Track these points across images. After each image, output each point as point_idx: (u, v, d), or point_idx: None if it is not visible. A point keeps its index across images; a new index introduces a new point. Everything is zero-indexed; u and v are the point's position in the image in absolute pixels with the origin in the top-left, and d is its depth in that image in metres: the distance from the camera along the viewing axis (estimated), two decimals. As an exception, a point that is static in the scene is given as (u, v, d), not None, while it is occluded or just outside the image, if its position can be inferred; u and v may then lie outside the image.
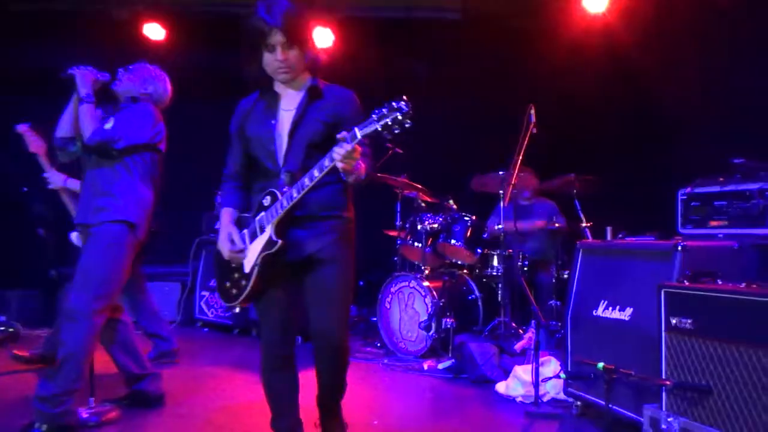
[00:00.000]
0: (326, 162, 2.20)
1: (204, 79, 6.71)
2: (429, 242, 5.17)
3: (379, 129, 2.08)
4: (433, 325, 4.57)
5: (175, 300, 6.37)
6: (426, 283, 4.80)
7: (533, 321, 3.83)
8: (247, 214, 2.52)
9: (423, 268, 5.07)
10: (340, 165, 2.16)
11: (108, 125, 3.20)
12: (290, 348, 2.55)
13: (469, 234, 5.07)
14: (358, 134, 2.12)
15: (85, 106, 3.20)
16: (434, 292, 4.72)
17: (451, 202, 5.31)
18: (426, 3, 6.60)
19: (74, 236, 4.34)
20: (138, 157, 3.27)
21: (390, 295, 5.08)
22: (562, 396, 3.51)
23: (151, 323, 4.53)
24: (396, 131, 2.08)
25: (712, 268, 2.63)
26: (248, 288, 2.40)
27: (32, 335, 5.59)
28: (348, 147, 2.12)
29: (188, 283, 6.26)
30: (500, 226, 4.79)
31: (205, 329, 6.10)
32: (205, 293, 6.17)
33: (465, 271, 5.31)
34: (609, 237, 3.37)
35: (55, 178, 4.14)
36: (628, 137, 5.78)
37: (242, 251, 2.43)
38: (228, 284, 2.51)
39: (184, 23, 6.36)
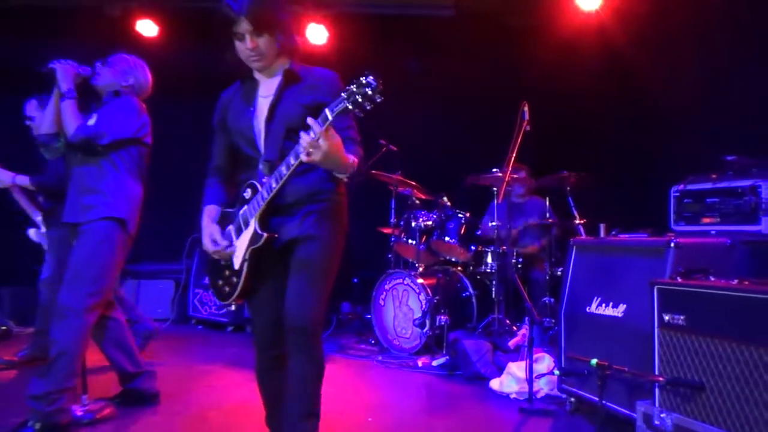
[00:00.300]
0: (300, 147, 2.06)
1: (197, 75, 6.67)
2: (423, 239, 5.17)
3: (350, 107, 1.97)
4: (428, 322, 4.58)
5: (169, 298, 6.36)
6: (420, 281, 4.80)
7: (527, 318, 3.84)
8: (230, 209, 2.44)
9: (417, 265, 5.08)
10: (306, 155, 2.02)
11: (91, 121, 3.16)
12: (282, 347, 2.36)
13: (463, 231, 5.07)
14: (329, 115, 2.01)
15: (67, 102, 3.15)
16: (428, 290, 4.72)
17: (445, 199, 5.31)
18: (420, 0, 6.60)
19: (32, 233, 4.32)
20: (124, 152, 3.23)
21: (384, 293, 5.08)
22: (555, 392, 3.52)
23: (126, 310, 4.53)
24: (367, 107, 1.98)
25: (705, 264, 2.64)
26: (240, 284, 2.32)
27: (24, 333, 5.57)
28: (317, 130, 1.99)
29: (182, 281, 6.24)
30: (494, 224, 4.80)
31: (199, 327, 6.09)
32: (199, 291, 6.15)
33: (459, 268, 5.32)
34: (602, 234, 3.38)
35: (3, 176, 4.11)
36: (621, 134, 5.80)
37: (227, 248, 2.34)
38: (221, 282, 2.44)
39: (177, 20, 6.32)
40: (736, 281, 2.37)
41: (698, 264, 2.65)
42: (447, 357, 4.39)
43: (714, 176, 3.18)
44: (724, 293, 2.32)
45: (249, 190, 2.33)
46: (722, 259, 2.83)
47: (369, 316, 5.26)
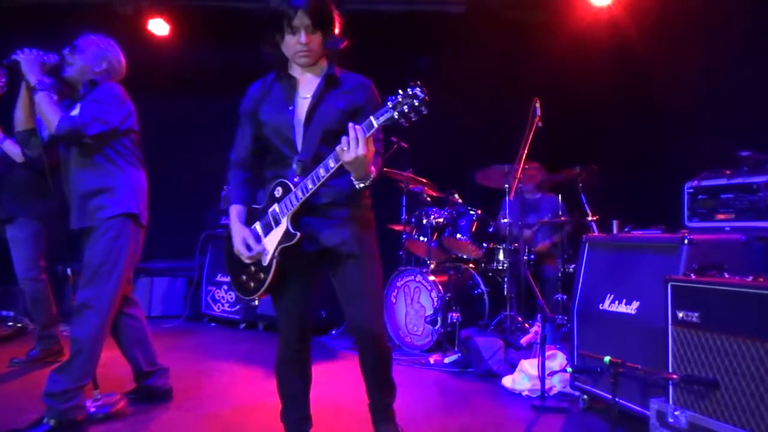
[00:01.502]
0: (341, 148, 2.12)
1: (208, 74, 6.72)
2: (434, 237, 5.17)
3: (396, 117, 2.04)
4: (439, 319, 4.57)
5: (182, 295, 6.40)
6: (432, 278, 4.80)
7: (539, 315, 3.83)
8: (257, 206, 2.46)
9: (428, 262, 5.07)
10: (352, 153, 2.08)
11: (74, 112, 2.99)
12: (306, 341, 2.53)
13: (474, 228, 5.06)
14: (375, 123, 2.08)
15: (41, 94, 2.94)
16: (440, 287, 4.72)
17: (456, 196, 5.31)
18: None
19: None
20: (117, 144, 3.11)
21: (396, 290, 5.08)
22: (568, 390, 3.51)
23: None
24: (413, 118, 2.03)
25: (719, 261, 2.61)
26: (268, 280, 2.35)
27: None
28: (360, 135, 2.07)
29: (195, 278, 6.27)
30: (506, 220, 4.79)
31: (212, 324, 6.12)
32: (212, 288, 6.18)
33: (471, 265, 5.31)
34: (615, 230, 3.36)
35: None
36: (634, 130, 5.76)
37: (260, 254, 2.36)
38: (244, 278, 2.45)
39: (188, 18, 6.36)
40: (750, 278, 2.34)
41: (712, 260, 2.63)
42: (459, 354, 4.39)
43: (728, 172, 3.15)
44: (739, 290, 2.30)
45: (280, 189, 2.34)
46: (737, 255, 2.81)
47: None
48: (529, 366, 3.71)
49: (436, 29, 6.40)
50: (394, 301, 5.07)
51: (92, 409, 3.11)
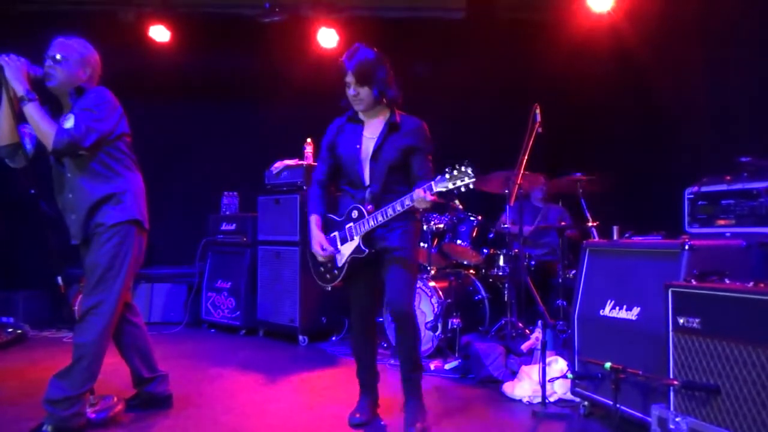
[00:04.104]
0: (407, 201, 2.85)
1: (209, 80, 6.74)
2: (435, 242, 5.17)
3: (450, 187, 2.70)
4: (440, 325, 4.57)
5: (182, 301, 6.39)
6: (432, 284, 4.79)
7: (540, 321, 3.82)
8: (335, 217, 3.19)
9: (429, 268, 5.06)
10: (418, 206, 2.85)
11: (68, 124, 2.89)
12: (373, 320, 3.35)
13: (474, 234, 5.06)
14: (434, 188, 2.75)
15: (31, 105, 2.84)
16: (440, 293, 4.71)
17: (456, 202, 5.30)
18: (430, 3, 6.61)
19: None
20: (111, 149, 3.06)
21: (396, 296, 5.07)
22: (569, 396, 3.50)
23: None
24: (462, 190, 2.70)
25: (720, 267, 2.61)
26: (340, 278, 3.15)
27: (39, 336, 5.62)
28: (426, 196, 2.77)
29: (195, 285, 6.27)
30: (506, 225, 4.78)
31: (212, 330, 6.11)
32: (212, 294, 6.17)
33: (471, 271, 5.31)
34: (615, 236, 3.36)
35: None
36: (634, 136, 5.77)
37: (333, 254, 3.13)
38: (322, 269, 3.23)
39: (189, 25, 6.37)
40: (751, 284, 2.34)
41: (713, 266, 2.62)
42: (459, 360, 4.38)
43: (728, 178, 3.15)
44: (740, 296, 2.30)
45: (356, 212, 3.07)
46: (737, 261, 2.81)
47: (381, 320, 5.25)
48: (530, 372, 3.70)
49: (437, 35, 6.41)
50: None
51: (92, 416, 3.10)
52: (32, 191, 4.62)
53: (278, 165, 5.68)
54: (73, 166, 3.06)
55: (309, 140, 5.59)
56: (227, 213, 6.31)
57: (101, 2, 6.36)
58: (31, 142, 3.08)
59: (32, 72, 2.95)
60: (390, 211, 2.92)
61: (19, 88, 2.86)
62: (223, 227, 6.21)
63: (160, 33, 6.30)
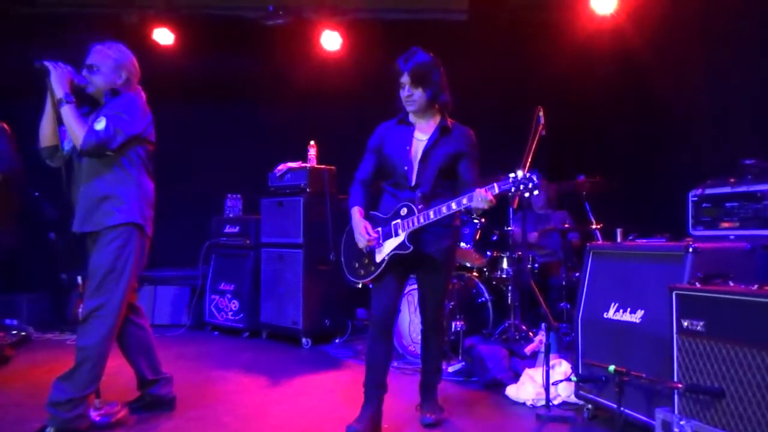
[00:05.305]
0: (464, 200, 2.85)
1: (212, 83, 6.74)
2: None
3: (513, 190, 2.77)
4: (443, 327, 4.56)
5: (185, 304, 6.39)
6: (435, 286, 4.78)
7: (543, 324, 3.81)
8: (379, 214, 3.17)
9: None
10: (475, 205, 2.82)
11: (99, 125, 3.00)
12: (393, 322, 3.21)
13: (478, 237, 5.05)
14: (496, 189, 2.79)
15: (67, 108, 3.00)
16: (443, 295, 4.70)
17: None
18: (432, 5, 6.61)
19: None
20: (132, 152, 3.13)
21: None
22: (573, 399, 3.49)
23: None
24: (525, 194, 2.78)
25: (724, 269, 2.61)
26: (376, 273, 3.09)
27: (42, 338, 5.63)
28: (488, 196, 2.77)
29: (198, 287, 6.27)
30: (509, 228, 4.78)
31: (215, 333, 6.11)
32: (215, 297, 6.17)
33: (474, 273, 5.29)
34: (619, 239, 3.35)
35: None
36: (638, 138, 5.76)
37: (376, 242, 3.08)
38: (357, 265, 3.19)
39: (192, 28, 6.38)
40: (756, 286, 2.34)
41: (717, 269, 2.62)
42: (463, 363, 4.37)
43: (732, 180, 3.15)
44: (744, 298, 2.30)
45: (405, 209, 3.06)
46: (742, 264, 2.80)
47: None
48: (533, 375, 3.70)
49: (439, 38, 6.40)
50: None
51: (96, 418, 3.11)
52: (36, 194, 4.65)
53: (281, 167, 5.69)
54: (91, 160, 3.12)
55: (312, 142, 5.60)
56: (230, 215, 6.32)
57: (105, 5, 6.37)
58: (70, 144, 3.17)
59: (76, 80, 3.12)
60: (444, 209, 2.92)
61: (59, 92, 3.02)
62: (227, 230, 6.21)
63: (163, 36, 6.32)
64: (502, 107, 6.36)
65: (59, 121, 3.08)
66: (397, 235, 3.05)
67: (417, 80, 3.04)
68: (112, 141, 3.01)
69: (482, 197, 2.78)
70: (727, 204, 3.13)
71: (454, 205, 2.89)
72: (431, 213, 2.95)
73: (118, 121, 3.04)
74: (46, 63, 3.04)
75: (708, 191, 3.23)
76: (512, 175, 2.76)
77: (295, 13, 6.30)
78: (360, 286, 3.24)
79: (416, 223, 2.99)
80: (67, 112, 3.01)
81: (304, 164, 5.59)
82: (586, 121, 6.06)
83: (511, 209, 4.74)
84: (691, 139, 5.14)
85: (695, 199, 3.29)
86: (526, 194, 2.76)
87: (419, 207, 3.02)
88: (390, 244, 3.08)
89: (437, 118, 3.18)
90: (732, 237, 3.07)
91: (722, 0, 4.65)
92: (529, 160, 4.28)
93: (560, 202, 5.72)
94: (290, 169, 5.64)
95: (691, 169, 3.83)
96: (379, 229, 3.12)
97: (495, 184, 2.79)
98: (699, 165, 4.67)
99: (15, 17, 6.23)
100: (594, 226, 4.78)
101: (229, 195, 6.40)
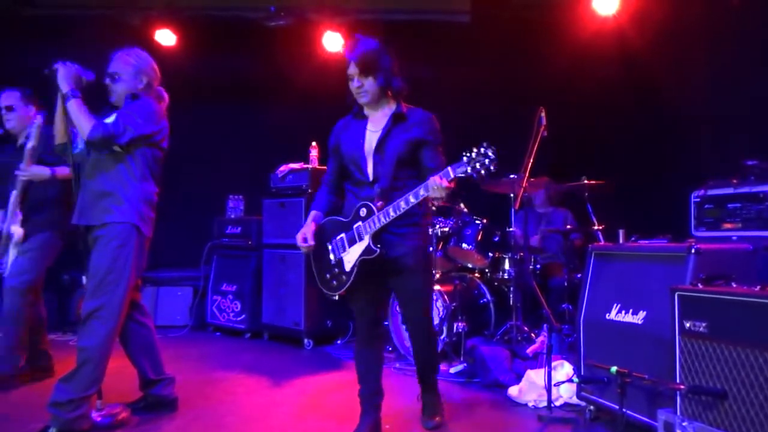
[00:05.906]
0: (421, 191, 2.66)
1: (215, 84, 6.75)
2: (440, 246, 5.15)
3: (469, 171, 2.55)
4: (445, 329, 4.56)
5: (187, 305, 6.40)
6: (437, 287, 4.78)
7: (545, 325, 3.81)
8: (341, 218, 2.97)
9: (434, 271, 5.06)
10: (434, 195, 2.64)
11: (110, 119, 3.07)
12: (378, 333, 3.08)
13: (480, 237, 5.05)
14: (451, 174, 2.58)
15: (73, 101, 3.04)
16: (445, 296, 4.70)
17: (461, 205, 5.29)
18: (435, 6, 6.61)
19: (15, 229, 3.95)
20: (139, 153, 3.15)
21: (401, 299, 5.06)
22: (575, 400, 3.48)
23: None
24: (483, 173, 2.54)
25: (726, 270, 2.60)
26: (348, 283, 2.88)
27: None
28: (443, 183, 2.57)
29: (200, 288, 6.27)
30: (511, 229, 4.78)
31: (217, 333, 6.11)
32: (217, 298, 6.18)
33: (476, 274, 5.29)
34: (621, 240, 3.35)
35: (41, 171, 3.89)
36: (639, 139, 5.75)
37: (311, 247, 2.97)
38: (328, 276, 2.97)
39: (195, 29, 6.39)
40: (758, 288, 2.33)
41: (720, 270, 2.61)
42: (465, 364, 4.36)
43: (735, 181, 3.15)
44: (747, 299, 2.29)
45: (365, 210, 2.85)
46: (744, 265, 2.80)
47: (386, 323, 5.25)
48: (535, 376, 3.69)
49: (442, 39, 6.41)
50: (399, 311, 5.05)
51: (98, 419, 3.11)
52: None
53: (283, 168, 5.70)
54: (99, 155, 3.15)
55: (314, 143, 5.61)
56: (232, 216, 6.33)
57: (107, 6, 6.38)
58: (83, 143, 3.20)
59: (84, 77, 3.16)
60: (402, 204, 2.71)
61: (65, 87, 3.06)
62: (229, 230, 6.22)
63: (165, 37, 6.33)
64: (504, 108, 6.35)
65: (70, 120, 3.12)
66: (361, 239, 2.84)
67: (365, 69, 2.85)
68: (121, 136, 3.04)
69: (437, 185, 2.59)
70: (729, 205, 3.13)
71: (412, 198, 2.69)
72: (390, 210, 2.75)
73: (129, 119, 3.08)
74: (54, 65, 3.09)
75: (710, 192, 3.23)
76: (466, 154, 2.56)
77: (296, 14, 6.30)
78: (337, 298, 2.96)
79: (378, 223, 2.78)
80: (73, 105, 3.04)
81: (306, 165, 5.59)
82: (589, 122, 6.05)
83: (512, 209, 4.74)
84: (694, 139, 5.14)
85: (697, 200, 3.29)
86: (483, 171, 2.53)
87: (378, 204, 2.81)
88: (356, 250, 2.86)
89: (392, 106, 2.98)
90: (734, 238, 3.06)
91: (724, 1, 4.65)
92: (531, 160, 4.28)
93: (562, 200, 5.71)
94: (292, 170, 5.65)
95: (694, 170, 3.83)
96: (342, 235, 2.92)
97: (449, 168, 2.58)
98: (701, 166, 4.67)
99: (15, 18, 6.23)
100: (596, 227, 4.77)
101: (231, 196, 6.41)
